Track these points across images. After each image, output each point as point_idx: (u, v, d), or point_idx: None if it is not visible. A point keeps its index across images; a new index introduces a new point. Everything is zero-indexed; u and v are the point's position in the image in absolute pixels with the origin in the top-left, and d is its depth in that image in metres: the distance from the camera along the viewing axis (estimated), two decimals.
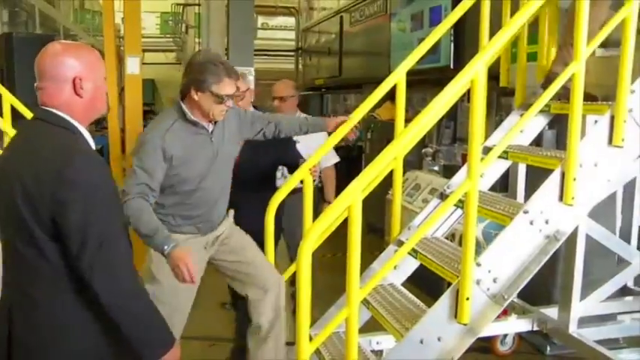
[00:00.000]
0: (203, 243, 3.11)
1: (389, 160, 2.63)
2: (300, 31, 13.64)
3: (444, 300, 2.68)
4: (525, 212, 2.73)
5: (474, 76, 2.54)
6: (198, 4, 11.86)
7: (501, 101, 5.85)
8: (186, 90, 2.99)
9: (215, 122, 3.06)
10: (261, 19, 17.27)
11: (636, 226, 4.42)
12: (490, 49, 2.64)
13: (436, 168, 6.08)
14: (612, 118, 2.85)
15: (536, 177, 3.31)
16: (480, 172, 2.64)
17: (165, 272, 2.92)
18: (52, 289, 1.87)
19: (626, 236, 4.30)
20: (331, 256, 5.66)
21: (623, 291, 4.24)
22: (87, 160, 1.85)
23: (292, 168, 3.67)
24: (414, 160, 6.08)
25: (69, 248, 1.80)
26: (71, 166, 1.80)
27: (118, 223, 1.92)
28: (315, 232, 2.44)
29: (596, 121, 3.07)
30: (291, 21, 16.28)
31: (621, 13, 2.81)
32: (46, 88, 1.92)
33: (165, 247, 2.75)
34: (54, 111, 1.92)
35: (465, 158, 5.64)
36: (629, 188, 4.26)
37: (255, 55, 8.13)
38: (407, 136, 2.61)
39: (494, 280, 2.70)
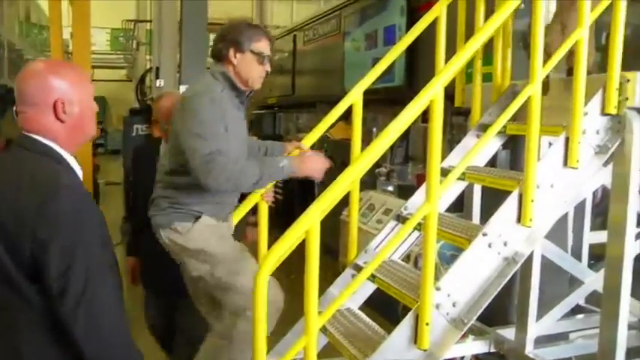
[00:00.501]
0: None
1: (347, 183, 2.57)
2: None
3: (404, 325, 2.62)
4: (484, 235, 2.71)
5: (432, 97, 2.52)
6: (150, 21, 11.70)
7: (452, 120, 5.91)
8: (222, 55, 2.82)
9: (248, 95, 2.92)
10: (212, 36, 17.18)
11: (587, 245, 4.49)
12: (448, 71, 2.63)
13: (390, 188, 6.09)
14: (567, 139, 2.87)
15: (492, 197, 3.31)
16: (439, 195, 2.60)
17: (227, 244, 2.86)
18: (34, 335, 1.69)
19: (577, 254, 4.36)
20: (285, 278, 5.56)
21: (574, 309, 4.28)
22: (71, 195, 1.68)
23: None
24: (367, 180, 6.07)
25: (50, 290, 1.63)
26: (54, 202, 1.64)
27: (105, 264, 1.74)
28: (272, 258, 2.36)
29: (550, 143, 3.10)
30: None
31: (574, 35, 2.85)
32: (26, 113, 1.77)
33: (283, 166, 2.68)
34: (36, 137, 1.76)
35: (419, 178, 5.67)
36: (579, 206, 4.32)
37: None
38: (366, 160, 2.56)
39: (454, 305, 2.67)
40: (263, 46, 2.85)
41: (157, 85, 8.14)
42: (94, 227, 1.71)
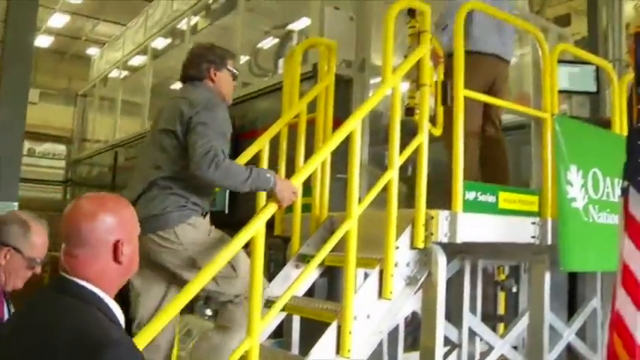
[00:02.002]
0: None
1: (171, 316, 2.49)
2: (71, 161, 13.06)
3: None
4: None
5: (254, 234, 2.57)
6: None
7: (270, 241, 6.00)
8: (202, 74, 3.06)
9: None
10: (27, 144, 16.35)
11: None
12: (269, 209, 2.72)
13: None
14: (381, 272, 3.04)
15: (311, 325, 3.36)
16: (261, 330, 2.60)
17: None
18: None
19: None
20: None
21: None
22: (122, 352, 1.47)
23: None
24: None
25: None
26: None
27: None
28: None
29: (366, 274, 3.26)
30: (60, 149, 15.61)
31: (385, 176, 3.09)
32: (79, 256, 1.61)
33: (270, 176, 2.82)
34: (84, 284, 1.60)
35: None
36: (393, 330, 4.51)
37: (20, 182, 7.53)
38: (191, 292, 2.51)
39: None
40: (233, 64, 3.17)
41: None
42: None
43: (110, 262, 1.65)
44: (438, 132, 3.77)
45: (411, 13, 3.37)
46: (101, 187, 9.81)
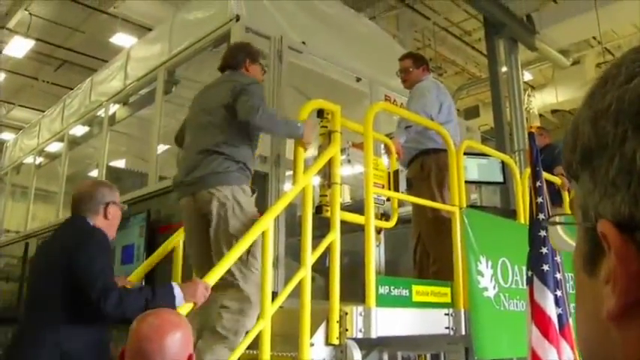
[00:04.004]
0: None
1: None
2: None
3: None
4: None
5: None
6: None
7: None
8: (239, 63, 3.60)
9: None
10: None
11: None
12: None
13: None
14: None
15: None
16: None
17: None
18: None
19: None
20: None
21: None
22: None
23: None
24: None
25: None
26: None
27: None
28: None
29: None
30: None
31: (298, 275, 3.11)
32: None
33: (300, 127, 3.37)
34: None
35: None
36: None
37: None
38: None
39: None
40: (263, 62, 3.80)
41: None
42: None
43: None
44: (391, 224, 3.86)
45: (320, 113, 3.50)
46: (9, 279, 9.36)
